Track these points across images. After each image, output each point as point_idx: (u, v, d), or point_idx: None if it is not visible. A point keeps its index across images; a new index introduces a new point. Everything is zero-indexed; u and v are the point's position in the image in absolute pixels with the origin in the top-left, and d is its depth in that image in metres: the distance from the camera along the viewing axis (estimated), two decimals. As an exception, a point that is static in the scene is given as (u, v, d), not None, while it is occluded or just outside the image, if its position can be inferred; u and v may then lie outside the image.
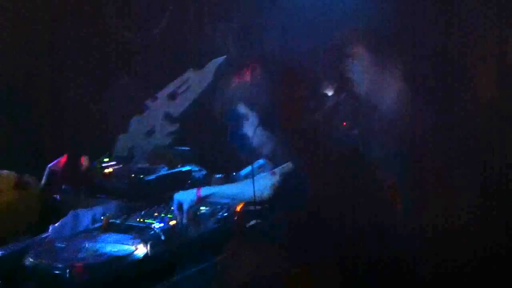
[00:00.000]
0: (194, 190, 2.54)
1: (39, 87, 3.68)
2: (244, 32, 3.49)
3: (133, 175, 3.01)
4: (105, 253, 2.22)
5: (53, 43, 3.71)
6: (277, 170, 2.44)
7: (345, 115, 2.27)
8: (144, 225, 2.51)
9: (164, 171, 3.10)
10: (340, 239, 1.96)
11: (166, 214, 2.63)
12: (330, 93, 2.43)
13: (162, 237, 2.41)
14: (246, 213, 2.36)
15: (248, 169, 2.86)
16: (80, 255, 2.20)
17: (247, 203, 2.41)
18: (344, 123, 2.32)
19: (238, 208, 2.42)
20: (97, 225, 2.58)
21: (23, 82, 3.64)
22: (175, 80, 3.59)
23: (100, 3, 3.79)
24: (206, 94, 3.38)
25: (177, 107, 3.54)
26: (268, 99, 2.27)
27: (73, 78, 3.70)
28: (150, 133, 3.50)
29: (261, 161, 2.76)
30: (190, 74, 3.55)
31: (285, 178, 2.33)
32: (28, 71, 3.63)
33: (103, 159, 3.22)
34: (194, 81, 3.53)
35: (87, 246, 2.31)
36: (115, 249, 2.27)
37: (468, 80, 2.32)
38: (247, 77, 2.50)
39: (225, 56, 3.43)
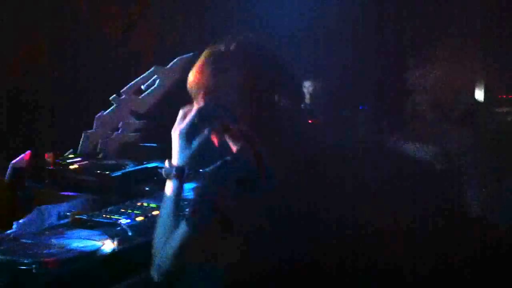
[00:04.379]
0: None
1: (2, 84, 3.64)
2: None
3: (99, 171, 3.00)
4: (72, 249, 2.21)
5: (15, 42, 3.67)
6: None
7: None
8: (111, 221, 2.50)
9: (130, 167, 3.09)
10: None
11: (132, 210, 2.63)
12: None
13: (129, 233, 2.41)
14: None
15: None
16: (47, 251, 2.19)
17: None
18: (311, 121, 2.31)
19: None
20: (63, 221, 2.57)
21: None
22: (140, 77, 3.58)
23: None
24: (173, 90, 3.38)
25: (143, 104, 3.53)
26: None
27: (37, 75, 3.66)
28: (116, 129, 3.49)
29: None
30: (155, 71, 3.55)
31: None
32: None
33: (69, 155, 3.20)
34: (160, 78, 3.53)
35: (54, 242, 2.29)
36: (82, 245, 2.26)
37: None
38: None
39: (192, 53, 3.44)
